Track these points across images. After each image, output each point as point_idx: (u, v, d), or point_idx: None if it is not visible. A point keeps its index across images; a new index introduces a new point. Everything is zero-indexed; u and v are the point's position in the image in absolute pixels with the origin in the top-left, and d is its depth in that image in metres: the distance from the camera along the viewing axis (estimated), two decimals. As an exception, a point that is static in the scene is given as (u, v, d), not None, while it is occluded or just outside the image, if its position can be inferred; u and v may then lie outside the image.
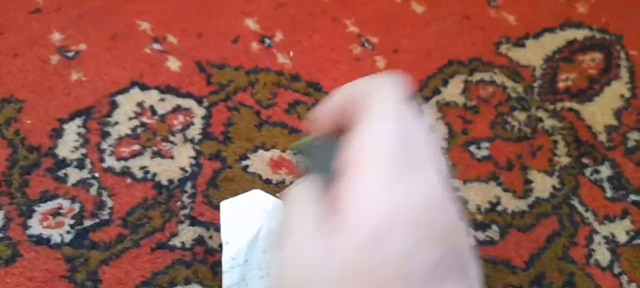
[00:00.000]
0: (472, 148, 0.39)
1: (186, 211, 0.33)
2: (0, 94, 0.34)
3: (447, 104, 0.40)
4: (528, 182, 0.38)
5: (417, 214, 0.17)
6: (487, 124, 0.40)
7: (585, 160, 0.40)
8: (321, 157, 0.24)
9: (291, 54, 0.40)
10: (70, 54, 0.37)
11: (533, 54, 0.44)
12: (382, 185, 0.17)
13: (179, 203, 0.33)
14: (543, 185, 0.39)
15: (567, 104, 0.42)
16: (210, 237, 0.32)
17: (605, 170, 0.40)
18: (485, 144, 0.39)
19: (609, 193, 0.39)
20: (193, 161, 0.35)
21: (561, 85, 0.43)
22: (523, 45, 0.44)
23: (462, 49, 0.43)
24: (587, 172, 0.40)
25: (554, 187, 0.39)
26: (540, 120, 0.41)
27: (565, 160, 0.40)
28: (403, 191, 0.17)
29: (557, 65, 0.44)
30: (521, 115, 0.41)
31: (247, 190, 0.34)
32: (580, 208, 0.38)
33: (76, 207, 0.32)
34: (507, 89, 0.42)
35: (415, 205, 0.17)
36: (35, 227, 0.31)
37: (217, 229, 0.33)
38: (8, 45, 0.37)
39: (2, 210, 0.31)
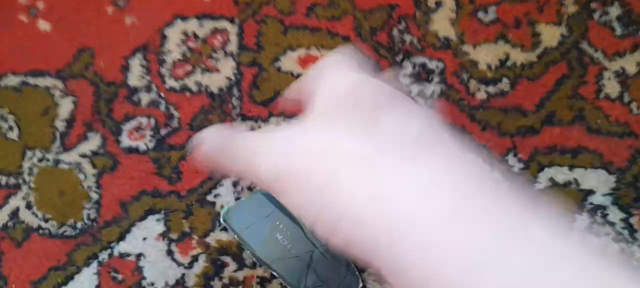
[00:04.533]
0: (480, 14, 0.47)
1: (237, 111, 0.45)
2: (75, 46, 0.47)
3: (452, -21, 0.49)
4: (536, 35, 0.47)
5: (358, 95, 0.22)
6: (493, -10, 0.48)
7: (593, 5, 0.47)
8: (252, 209, 0.37)
9: (304, -38, 0.49)
10: (121, 3, 0.49)
11: None
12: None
13: (230, 105, 0.45)
14: (551, 35, 0.47)
15: (571, -45, 0.49)
16: (260, 126, 0.44)
17: (615, 11, 0.47)
18: (493, 8, 0.47)
19: (619, 31, 0.46)
20: (235, 70, 0.46)
21: (564, -63, 0.49)
22: None
23: None
24: (596, 15, 0.47)
25: (562, 35, 0.47)
26: (545, -25, 0.48)
27: (572, 9, 0.47)
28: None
29: None
30: (525, -25, 0.48)
31: (283, 87, 0.45)
32: (590, 51, 0.46)
33: (152, 121, 0.45)
34: (510, -48, 0.49)
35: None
36: (125, 141, 0.44)
37: (264, 120, 0.44)
38: (70, 3, 0.49)
39: (99, 133, 0.45)
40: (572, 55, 0.46)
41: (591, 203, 0.41)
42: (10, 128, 0.45)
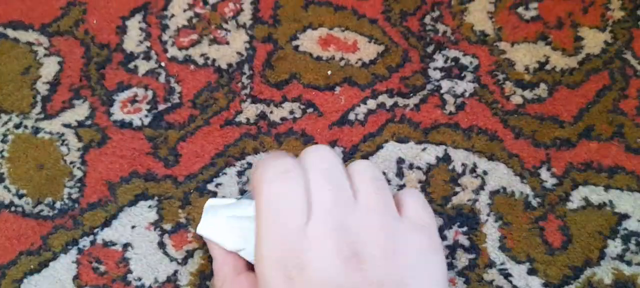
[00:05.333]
0: (521, 9, 0.43)
1: (247, 91, 0.39)
2: (65, -2, 0.41)
3: (493, -33, 0.44)
4: (578, 39, 0.42)
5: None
6: (535, -16, 0.43)
7: (641, 12, 0.43)
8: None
9: None
10: (119, -46, 0.43)
11: None
12: None
13: (239, 84, 0.40)
14: (594, 41, 0.42)
15: (622, -46, 0.44)
16: (271, 112, 0.39)
17: (663, 20, 0.43)
18: (534, 5, 0.43)
19: (666, 44, 0.42)
20: (247, 45, 0.41)
21: None
22: None
23: None
24: (643, 24, 0.43)
25: (605, 42, 0.42)
26: (593, -26, 0.44)
27: (619, 14, 0.43)
28: None
29: None
30: (572, -29, 0.44)
31: (300, 70, 0.40)
32: (633, 61, 0.42)
33: (149, 94, 0.39)
34: (557, -56, 0.45)
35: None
36: (117, 113, 0.39)
37: (277, 105, 0.39)
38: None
39: (87, 101, 0.39)
40: (615, 65, 0.42)
41: (625, 229, 0.38)
42: (-16, 86, 0.39)
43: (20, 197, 0.37)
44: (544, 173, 0.39)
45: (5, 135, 0.38)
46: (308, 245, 0.24)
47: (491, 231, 0.38)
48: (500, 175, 0.39)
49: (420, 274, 0.25)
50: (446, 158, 0.39)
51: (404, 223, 0.27)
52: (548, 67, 0.41)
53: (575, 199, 0.38)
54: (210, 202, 0.33)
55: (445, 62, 0.41)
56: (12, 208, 0.37)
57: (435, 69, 0.41)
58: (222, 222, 0.31)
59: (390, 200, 0.27)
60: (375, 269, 0.24)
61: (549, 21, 0.43)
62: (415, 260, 0.25)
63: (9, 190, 0.37)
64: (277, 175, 0.26)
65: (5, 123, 0.38)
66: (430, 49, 0.41)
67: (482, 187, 0.38)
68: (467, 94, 0.40)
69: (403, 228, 0.26)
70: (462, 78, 0.41)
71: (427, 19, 0.42)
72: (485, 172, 0.39)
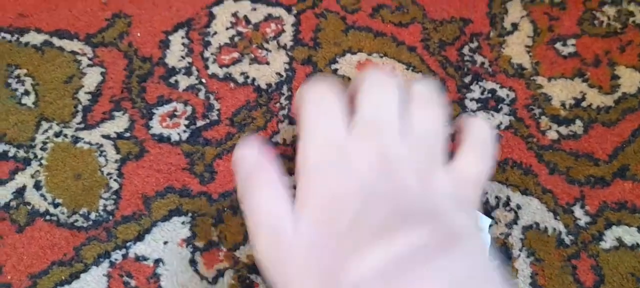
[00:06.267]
0: (558, 45, 0.42)
1: (284, 112, 0.38)
2: (111, 10, 0.40)
3: (532, 1, 0.43)
4: (615, 77, 0.41)
5: (361, 185, 0.22)
6: (574, 20, 0.42)
7: (677, 54, 0.42)
8: None
9: (372, -42, 0.43)
10: (164, -30, 0.42)
11: (626, -56, 0.45)
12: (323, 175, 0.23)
13: (277, 104, 0.39)
14: (631, 80, 0.41)
15: (662, -4, 0.43)
16: (308, 134, 0.38)
17: (699, 64, 0.41)
18: (572, 41, 0.42)
19: (702, 87, 0.41)
20: (287, 66, 0.40)
21: (656, -24, 0.44)
22: None
23: (549, -57, 0.44)
24: (679, 66, 0.41)
25: (642, 83, 0.41)
26: (632, 14, 0.43)
27: (656, 55, 0.42)
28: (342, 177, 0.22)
29: (652, -46, 0.44)
30: (611, 10, 0.43)
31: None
32: (669, 103, 0.40)
33: (188, 109, 0.38)
34: (596, -17, 0.43)
35: (357, 180, 0.22)
36: (156, 127, 0.38)
37: (314, 127, 0.38)
38: (109, -36, 0.42)
39: (127, 113, 0.38)
40: (651, 105, 0.41)
41: (658, 272, 0.36)
42: (27, 92, 0.38)
43: (56, 206, 0.36)
44: (578, 211, 0.37)
45: (45, 143, 0.37)
46: (347, 154, 0.23)
47: (523, 267, 0.36)
48: (533, 210, 0.37)
49: (453, 213, 0.22)
50: (480, 191, 0.37)
51: (446, 176, 0.24)
52: (584, 104, 0.40)
53: (609, 239, 0.37)
54: None
55: (482, 93, 0.40)
56: (47, 217, 0.36)
57: (471, 99, 0.40)
58: None
59: (438, 145, 0.25)
60: (407, 190, 0.22)
61: (586, 58, 0.41)
62: (447, 203, 0.23)
63: (45, 199, 0.36)
64: (319, 95, 0.25)
65: (46, 130, 0.37)
66: (467, 80, 0.40)
67: (515, 221, 0.37)
68: (502, 127, 0.39)
69: (441, 181, 0.24)
70: (498, 110, 0.40)
71: (466, 50, 0.41)
72: (518, 207, 0.37)
